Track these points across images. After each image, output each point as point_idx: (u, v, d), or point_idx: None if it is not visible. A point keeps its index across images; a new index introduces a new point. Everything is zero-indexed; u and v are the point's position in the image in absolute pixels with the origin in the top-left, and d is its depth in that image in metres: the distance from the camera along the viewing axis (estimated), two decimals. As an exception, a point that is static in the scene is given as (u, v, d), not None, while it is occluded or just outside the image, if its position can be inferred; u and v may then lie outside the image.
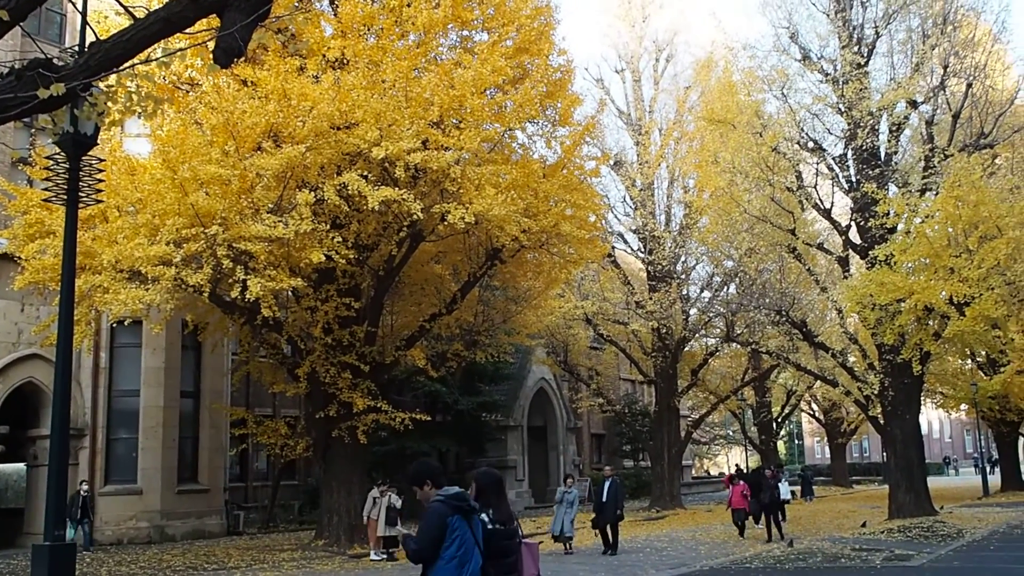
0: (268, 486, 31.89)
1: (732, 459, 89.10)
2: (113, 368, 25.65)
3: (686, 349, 36.92)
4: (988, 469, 45.29)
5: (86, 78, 5.96)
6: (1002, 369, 32.52)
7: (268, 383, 24.89)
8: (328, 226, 18.30)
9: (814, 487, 44.18)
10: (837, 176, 26.61)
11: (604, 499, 19.75)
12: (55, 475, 10.32)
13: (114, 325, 24.56)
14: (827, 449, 64.98)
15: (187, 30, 6.22)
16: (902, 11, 25.92)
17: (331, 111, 17.20)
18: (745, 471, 25.00)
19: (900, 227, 24.35)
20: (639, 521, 29.84)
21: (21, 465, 25.92)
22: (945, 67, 25.19)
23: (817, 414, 56.76)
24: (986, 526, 23.70)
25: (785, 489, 23.40)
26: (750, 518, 23.11)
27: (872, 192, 24.25)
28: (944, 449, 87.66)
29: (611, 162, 34.24)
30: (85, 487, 23.05)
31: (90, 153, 11.27)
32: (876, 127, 25.68)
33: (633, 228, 35.85)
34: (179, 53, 6.52)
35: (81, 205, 11.68)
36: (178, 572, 18.26)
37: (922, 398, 30.81)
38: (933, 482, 31.61)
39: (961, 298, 21.88)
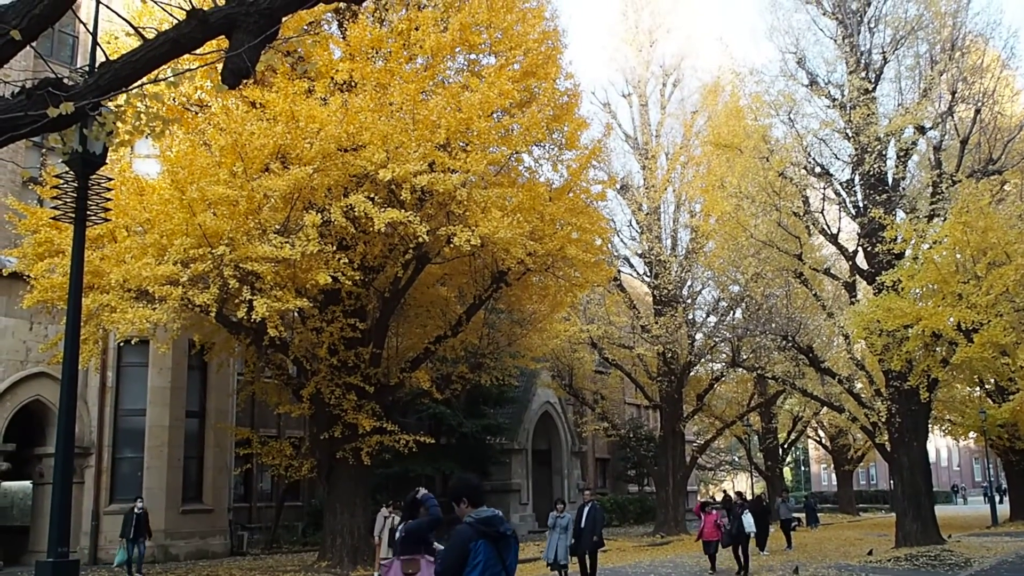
0: (272, 507, 31.81)
1: (738, 485, 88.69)
2: (119, 387, 25.68)
3: (692, 374, 36.82)
4: (997, 498, 44.86)
5: (96, 98, 6.01)
6: (1011, 397, 32.31)
7: (273, 403, 24.90)
8: (334, 247, 18.37)
9: (819, 514, 43.91)
10: (844, 201, 26.62)
11: (582, 525, 18.28)
12: (59, 493, 10.31)
13: (121, 344, 24.59)
14: (834, 476, 64.68)
15: (196, 51, 6.28)
16: (910, 37, 25.98)
17: (339, 133, 17.29)
18: (733, 498, 23.88)
19: (908, 253, 24.32)
20: (643, 547, 29.69)
21: (27, 483, 25.90)
22: (953, 93, 25.23)
23: (823, 440, 56.50)
24: (995, 556, 23.51)
25: (748, 521, 21.68)
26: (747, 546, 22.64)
27: (879, 217, 24.24)
28: (952, 477, 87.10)
29: (617, 186, 34.31)
30: (140, 504, 22.07)
31: (99, 173, 11.32)
32: (884, 152, 25.68)
33: (639, 252, 35.88)
34: (188, 73, 6.58)
35: (89, 224, 11.72)
36: (180, 593, 18.22)
37: (930, 425, 30.64)
38: (941, 511, 31.39)
39: (969, 324, 21.81)
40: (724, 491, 25.13)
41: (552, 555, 18.43)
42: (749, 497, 28.39)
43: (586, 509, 18.23)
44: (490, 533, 5.80)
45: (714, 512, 20.98)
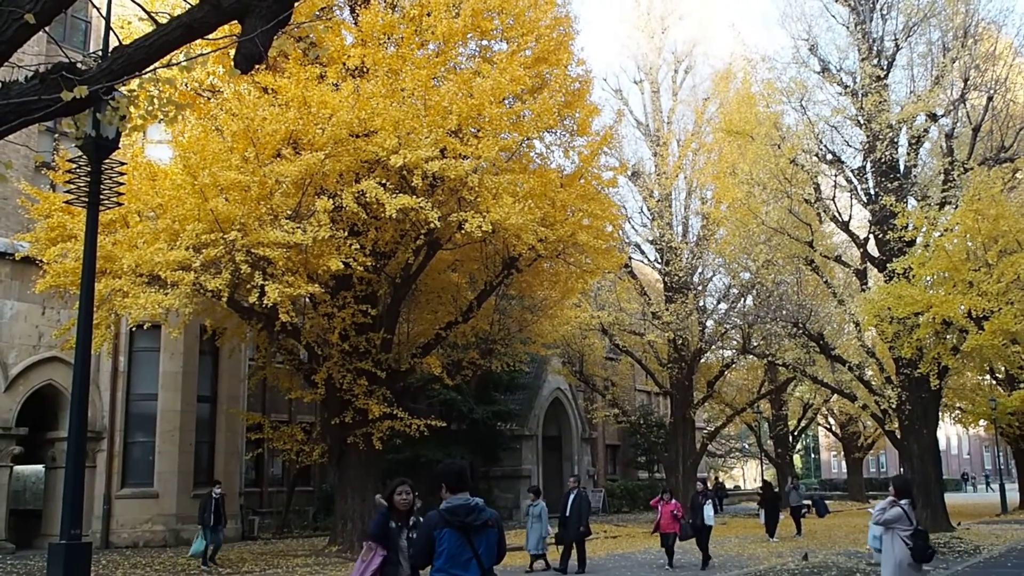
0: (283, 492, 31.97)
1: (748, 472, 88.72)
2: (131, 372, 25.81)
3: (702, 361, 36.81)
4: (988, 486, 44.54)
5: (109, 82, 6.05)
6: (1021, 385, 32.29)
7: (285, 389, 25.00)
8: (346, 233, 18.40)
9: (828, 501, 43.91)
10: (856, 188, 26.55)
11: (568, 513, 17.86)
12: (72, 477, 10.40)
13: (133, 329, 24.72)
14: (844, 463, 64.69)
15: (209, 36, 6.31)
16: (922, 24, 25.86)
17: (350, 119, 17.30)
18: (718, 484, 23.23)
19: (919, 240, 24.26)
20: (653, 533, 29.71)
21: (39, 467, 26.08)
22: (965, 80, 25.11)
23: (834, 428, 56.50)
24: (1003, 543, 23.51)
25: (710, 513, 20.14)
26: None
27: (891, 205, 24.18)
28: (962, 465, 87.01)
29: (629, 173, 34.26)
30: (219, 489, 20.74)
31: (112, 157, 11.37)
32: (895, 140, 25.60)
33: (650, 239, 35.84)
34: (201, 59, 6.60)
35: (102, 209, 11.78)
36: (192, 576, 18.36)
37: (940, 413, 30.62)
38: (950, 498, 31.37)
39: (980, 312, 21.77)
40: (717, 479, 23.82)
41: (532, 544, 18.14)
42: (758, 486, 28.25)
43: (571, 497, 17.99)
44: (454, 522, 5.86)
45: (673, 502, 19.86)
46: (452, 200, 19.35)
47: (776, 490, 31.87)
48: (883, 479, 77.03)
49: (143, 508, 25.00)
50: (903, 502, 10.24)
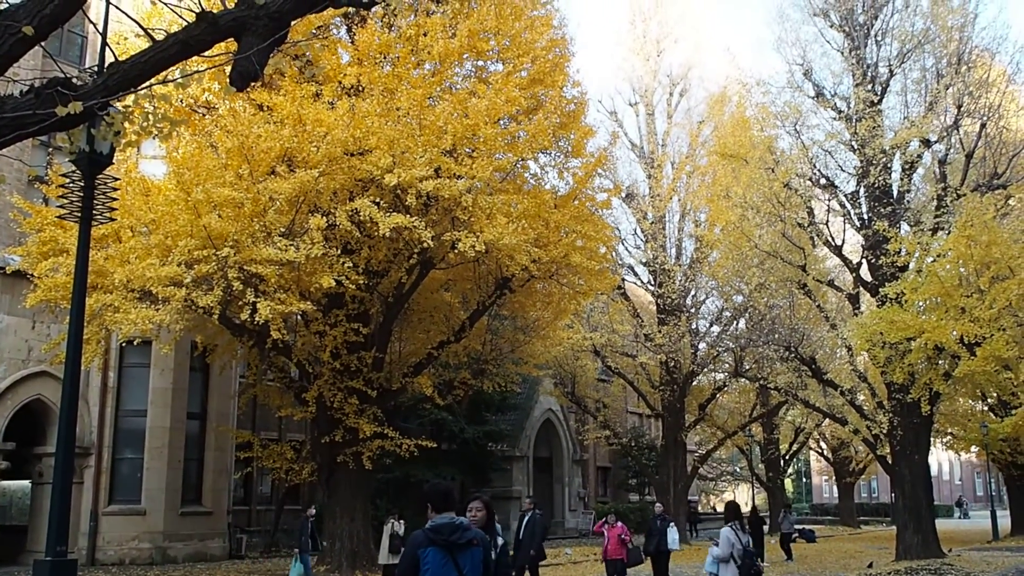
0: (271, 510, 31.77)
1: (739, 495, 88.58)
2: (121, 388, 25.64)
3: (694, 383, 36.77)
4: (965, 514, 44.10)
5: (104, 97, 6.02)
6: (1013, 411, 32.24)
7: (275, 406, 24.86)
8: (339, 251, 18.36)
9: (819, 526, 43.78)
10: (849, 213, 26.60)
11: (520, 536, 16.96)
12: (59, 493, 10.32)
13: (123, 345, 24.58)
14: (835, 488, 64.54)
15: (204, 53, 6.29)
16: (917, 50, 26.01)
17: (345, 137, 17.31)
18: (691, 508, 22.19)
19: (911, 265, 24.30)
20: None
21: (26, 482, 25.88)
22: (959, 107, 25.21)
23: (825, 452, 56.41)
24: (995, 570, 23.43)
25: (675, 537, 18.67)
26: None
27: (884, 230, 24.23)
28: (954, 491, 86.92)
29: (623, 194, 34.33)
30: (313, 511, 20.59)
31: (105, 172, 11.34)
32: (889, 165, 25.68)
33: (643, 261, 35.86)
34: (196, 75, 6.59)
35: (95, 224, 11.73)
36: (179, 594, 18.19)
37: (931, 439, 30.57)
38: (942, 524, 31.27)
39: (972, 338, 21.76)
40: (695, 500, 22.18)
41: None
42: (737, 508, 28.05)
43: (526, 519, 17.34)
44: (438, 540, 5.85)
45: (619, 525, 17.90)
46: (446, 220, 19.34)
47: (763, 514, 31.78)
48: (875, 504, 76.94)
49: (130, 525, 24.78)
50: (731, 524, 11.35)
